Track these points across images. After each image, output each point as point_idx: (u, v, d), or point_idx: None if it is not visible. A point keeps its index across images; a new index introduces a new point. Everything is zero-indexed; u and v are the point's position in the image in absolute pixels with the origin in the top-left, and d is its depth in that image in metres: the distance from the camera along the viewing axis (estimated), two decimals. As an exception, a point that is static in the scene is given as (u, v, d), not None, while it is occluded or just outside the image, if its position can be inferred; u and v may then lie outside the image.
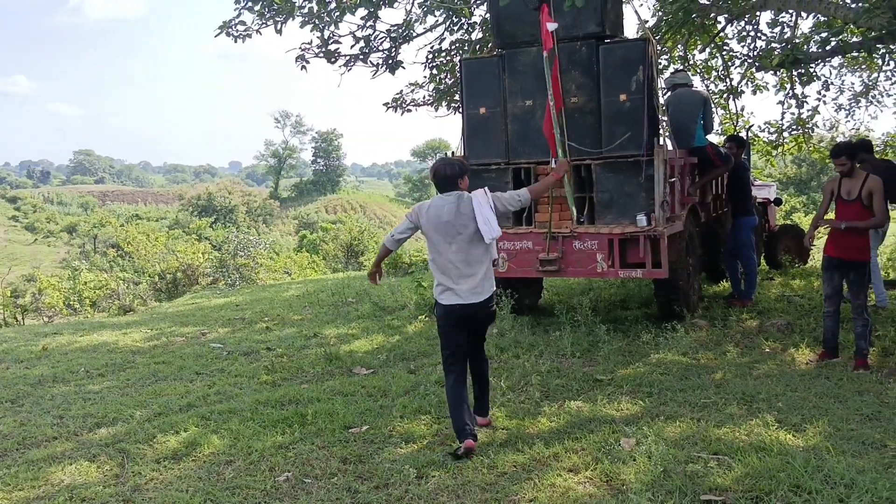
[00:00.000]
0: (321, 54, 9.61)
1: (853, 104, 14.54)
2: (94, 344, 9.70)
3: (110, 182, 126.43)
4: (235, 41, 9.40)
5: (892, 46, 10.66)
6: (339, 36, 9.58)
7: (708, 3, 9.94)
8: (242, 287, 17.77)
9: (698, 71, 13.85)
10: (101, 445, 5.56)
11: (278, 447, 5.30)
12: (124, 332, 10.52)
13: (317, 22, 9.22)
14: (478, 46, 11.56)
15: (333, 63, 9.86)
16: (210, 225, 60.19)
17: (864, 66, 13.74)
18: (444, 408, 5.97)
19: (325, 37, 9.41)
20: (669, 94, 9.36)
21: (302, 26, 9.24)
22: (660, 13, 11.81)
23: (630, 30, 12.97)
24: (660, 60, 11.39)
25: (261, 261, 21.59)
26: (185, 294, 17.83)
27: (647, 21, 11.61)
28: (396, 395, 6.44)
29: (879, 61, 12.94)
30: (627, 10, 9.88)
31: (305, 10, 9.17)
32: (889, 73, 13.55)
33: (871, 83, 14.14)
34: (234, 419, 5.94)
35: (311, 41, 9.47)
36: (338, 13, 9.02)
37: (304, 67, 9.64)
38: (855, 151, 6.87)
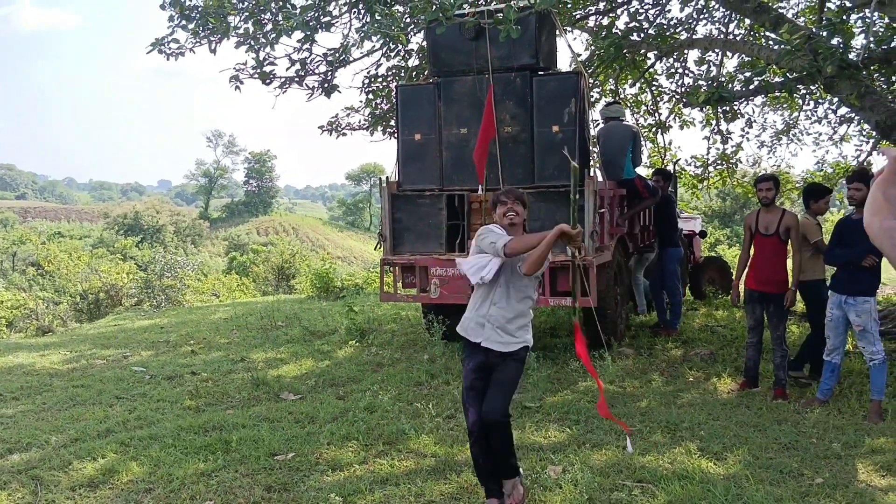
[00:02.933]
0: (256, 75, 9.50)
1: (775, 141, 15.06)
2: (9, 366, 9.33)
3: (33, 198, 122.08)
4: (168, 59, 9.21)
5: (812, 87, 11.12)
6: (275, 58, 9.49)
7: (638, 39, 10.22)
8: (168, 309, 17.35)
9: (628, 105, 14.20)
10: (14, 472, 5.34)
11: (200, 475, 5.16)
12: (42, 354, 10.16)
13: (252, 43, 9.13)
14: (414, 73, 11.64)
15: (268, 84, 9.75)
16: (136, 244, 58.66)
17: (785, 106, 14.28)
18: (371, 434, 5.93)
19: (261, 58, 9.31)
20: (601, 126, 9.56)
21: (237, 46, 9.12)
22: (592, 48, 12.09)
23: (563, 63, 13.24)
24: (591, 94, 11.65)
25: (188, 282, 21.13)
26: (107, 315, 17.32)
27: (579, 55, 11.88)
28: (324, 422, 6.36)
29: (800, 101, 13.47)
30: (561, 44, 10.11)
31: (241, 31, 9.06)
32: (809, 113, 14.11)
33: (791, 122, 14.68)
34: (154, 445, 5.77)
35: (246, 62, 9.36)
36: (274, 35, 8.93)
37: (237, 88, 9.52)
38: (779, 181, 7.17)
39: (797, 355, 7.63)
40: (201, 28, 8.93)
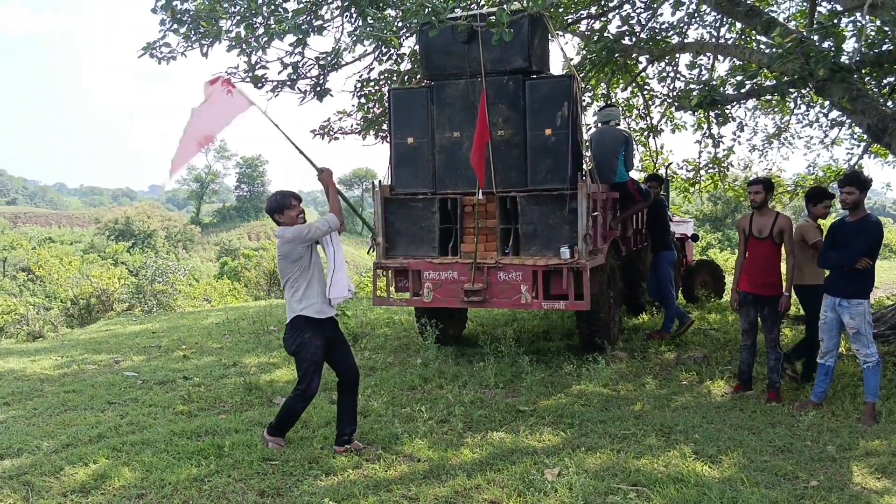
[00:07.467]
0: (248, 79, 9.48)
1: (766, 145, 15.13)
2: (0, 371, 9.25)
3: (23, 203, 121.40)
4: (159, 63, 9.19)
5: (803, 91, 11.16)
6: (267, 61, 9.48)
7: (630, 43, 10.24)
8: (159, 314, 17.28)
9: (620, 109, 14.24)
10: (5, 478, 5.28)
11: (193, 480, 5.12)
12: (32, 360, 10.09)
13: (244, 47, 9.12)
14: (406, 77, 11.64)
15: (260, 88, 9.73)
16: (127, 250, 58.44)
17: (776, 109, 14.34)
18: (365, 439, 5.90)
19: (252, 62, 9.31)
20: (593, 130, 9.56)
21: (229, 50, 9.10)
22: (584, 51, 12.11)
23: (555, 67, 13.28)
24: (583, 97, 11.66)
25: (179, 287, 21.09)
26: (98, 320, 17.23)
27: (572, 59, 11.89)
28: (317, 426, 6.33)
29: (791, 105, 13.54)
30: (553, 48, 10.10)
31: (233, 35, 9.05)
32: (800, 117, 14.18)
33: (783, 125, 14.75)
34: (146, 451, 5.73)
35: (238, 65, 9.35)
36: (266, 39, 8.92)
37: (229, 92, 9.49)
38: (772, 184, 7.19)
39: (793, 349, 7.76)
40: (193, 32, 8.91)
